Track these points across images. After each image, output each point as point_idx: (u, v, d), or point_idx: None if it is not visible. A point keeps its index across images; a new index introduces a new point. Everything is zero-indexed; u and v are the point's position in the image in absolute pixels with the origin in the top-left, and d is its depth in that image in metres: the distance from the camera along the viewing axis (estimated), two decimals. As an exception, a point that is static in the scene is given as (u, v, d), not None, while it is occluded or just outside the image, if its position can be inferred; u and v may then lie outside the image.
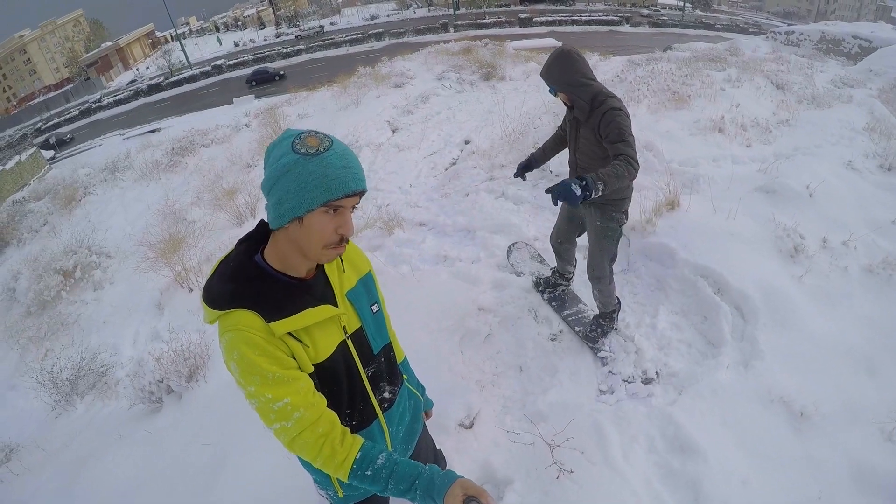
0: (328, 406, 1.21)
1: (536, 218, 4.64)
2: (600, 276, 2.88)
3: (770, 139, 5.50)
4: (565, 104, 2.56)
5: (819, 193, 3.99)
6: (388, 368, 1.44)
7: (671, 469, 2.29)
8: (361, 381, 1.32)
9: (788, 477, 2.23)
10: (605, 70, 13.62)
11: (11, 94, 73.54)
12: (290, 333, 1.13)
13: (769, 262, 3.38)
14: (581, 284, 3.48)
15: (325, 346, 1.20)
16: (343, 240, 1.14)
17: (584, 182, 2.03)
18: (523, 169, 2.93)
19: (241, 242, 1.21)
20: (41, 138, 37.43)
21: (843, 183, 4.26)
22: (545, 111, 7.75)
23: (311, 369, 1.18)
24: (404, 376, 1.59)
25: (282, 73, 39.06)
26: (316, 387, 1.19)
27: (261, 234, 1.21)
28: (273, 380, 1.08)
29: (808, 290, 3.20)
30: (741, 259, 3.36)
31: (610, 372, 2.92)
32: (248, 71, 43.37)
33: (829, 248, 3.53)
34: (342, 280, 1.29)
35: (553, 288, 3.49)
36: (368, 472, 1.15)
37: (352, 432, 1.29)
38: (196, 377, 3.96)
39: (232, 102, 26.89)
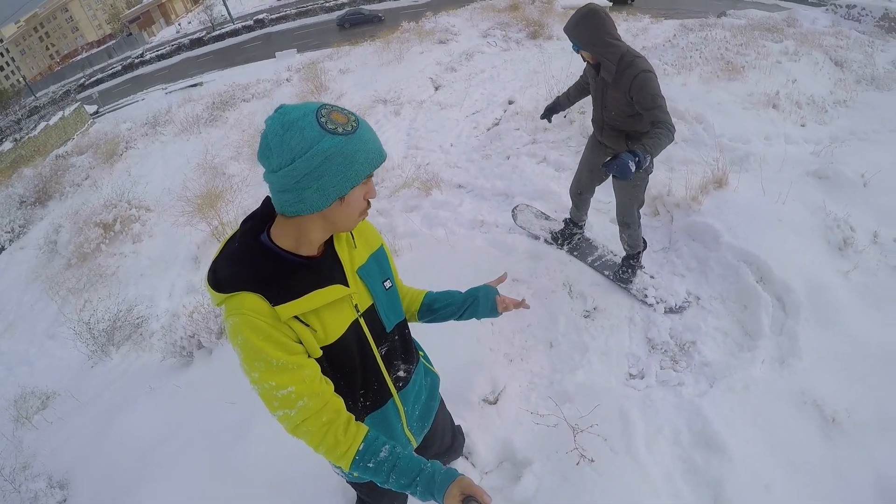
0: (341, 388, 1.20)
1: None
2: (630, 222, 3.00)
3: (826, 119, 5.15)
4: (588, 62, 2.59)
5: (874, 183, 3.71)
6: (403, 346, 1.41)
7: (694, 465, 2.20)
8: (375, 361, 1.30)
9: (813, 485, 2.12)
10: (656, 34, 13.05)
11: (55, 51, 75.25)
12: (296, 317, 1.09)
13: (816, 254, 3.18)
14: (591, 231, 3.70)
15: (336, 326, 1.17)
16: (370, 204, 1.14)
17: (637, 158, 2.11)
18: (549, 111, 3.07)
19: (245, 221, 1.16)
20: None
21: (899, 173, 3.95)
22: None
23: (320, 353, 1.15)
24: (420, 353, 1.56)
25: (380, 15, 35.26)
26: (325, 370, 1.17)
27: (265, 212, 1.16)
28: (277, 367, 1.06)
29: (855, 287, 3.00)
30: (787, 247, 3.17)
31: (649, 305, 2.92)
32: (292, 24, 43.24)
33: (880, 243, 3.29)
34: (353, 256, 1.24)
35: (570, 238, 3.57)
36: (371, 465, 1.14)
37: (366, 413, 1.32)
38: (226, 334, 4.02)
39: (274, 57, 26.39)
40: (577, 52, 2.52)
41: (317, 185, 1.01)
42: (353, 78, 13.27)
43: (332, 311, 1.16)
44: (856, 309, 2.84)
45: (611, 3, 25.83)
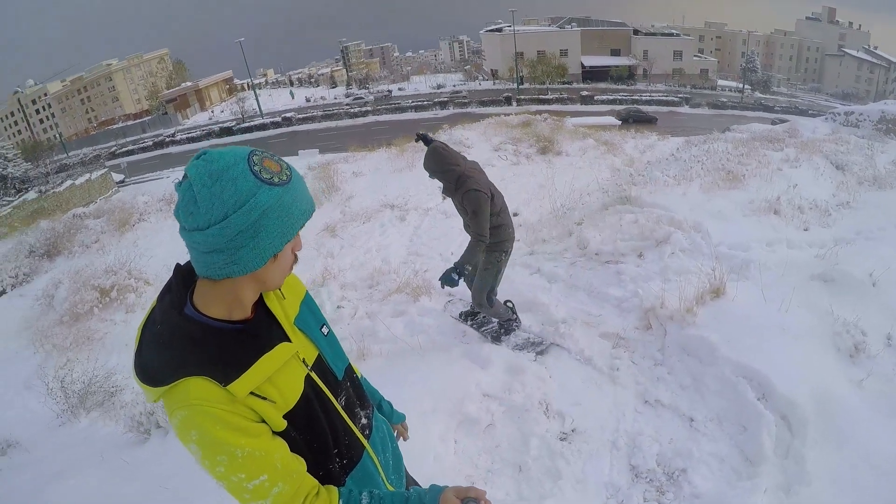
0: (316, 452, 1.12)
1: (568, 298, 4.29)
2: (480, 304, 3.59)
3: (829, 222, 5.11)
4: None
5: (883, 282, 3.53)
6: (357, 392, 1.31)
7: None
8: (339, 414, 1.19)
9: None
10: (663, 150, 13.64)
11: (93, 115, 78.90)
12: (252, 393, 0.96)
13: (824, 363, 2.93)
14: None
15: (292, 388, 1.06)
16: (297, 258, 1.07)
17: (458, 270, 3.19)
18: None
19: (162, 296, 1.02)
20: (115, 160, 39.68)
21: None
22: (597, 188, 7.66)
23: (284, 424, 1.02)
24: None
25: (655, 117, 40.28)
26: (295, 441, 1.06)
27: (182, 280, 1.02)
28: (244, 457, 0.93)
29: (870, 397, 2.72)
30: (792, 358, 2.92)
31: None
32: (317, 126, 45.93)
33: (895, 346, 3.06)
34: (285, 308, 1.13)
35: (473, 317, 4.12)
36: None
37: (346, 473, 1.21)
38: (173, 431, 3.88)
39: (297, 154, 27.64)
40: (431, 178, 3.31)
41: (252, 243, 0.91)
42: (364, 181, 13.61)
43: (285, 373, 1.04)
44: (872, 422, 2.55)
45: (619, 123, 27.47)
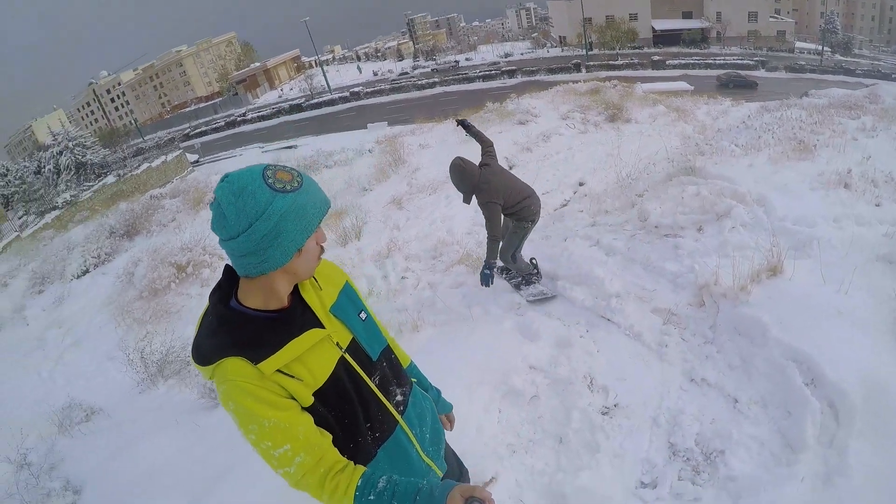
0: (347, 427, 1.25)
1: (625, 271, 4.20)
2: (505, 260, 4.19)
3: None
4: None
5: (957, 266, 3.22)
6: (393, 371, 1.44)
7: None
8: (371, 391, 1.32)
9: None
10: (736, 116, 12.90)
11: (166, 100, 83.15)
12: (281, 371, 1.12)
13: (881, 351, 2.70)
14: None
15: (322, 368, 1.20)
16: (323, 249, 1.22)
17: (488, 267, 3.86)
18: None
19: (212, 294, 1.20)
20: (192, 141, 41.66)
21: None
22: (664, 157, 7.40)
23: (312, 401, 1.17)
24: (413, 380, 1.57)
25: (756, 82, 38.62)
26: (325, 416, 1.20)
27: (229, 279, 1.21)
28: (270, 427, 1.09)
29: None
30: (846, 343, 2.73)
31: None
32: (385, 99, 46.12)
33: (961, 338, 2.79)
34: (321, 297, 1.28)
35: (508, 272, 4.58)
36: (371, 497, 1.15)
37: (378, 445, 1.34)
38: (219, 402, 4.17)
39: (366, 127, 27.54)
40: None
41: (277, 242, 1.07)
42: (430, 153, 13.69)
43: (316, 354, 1.19)
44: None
45: (692, 88, 26.10)
